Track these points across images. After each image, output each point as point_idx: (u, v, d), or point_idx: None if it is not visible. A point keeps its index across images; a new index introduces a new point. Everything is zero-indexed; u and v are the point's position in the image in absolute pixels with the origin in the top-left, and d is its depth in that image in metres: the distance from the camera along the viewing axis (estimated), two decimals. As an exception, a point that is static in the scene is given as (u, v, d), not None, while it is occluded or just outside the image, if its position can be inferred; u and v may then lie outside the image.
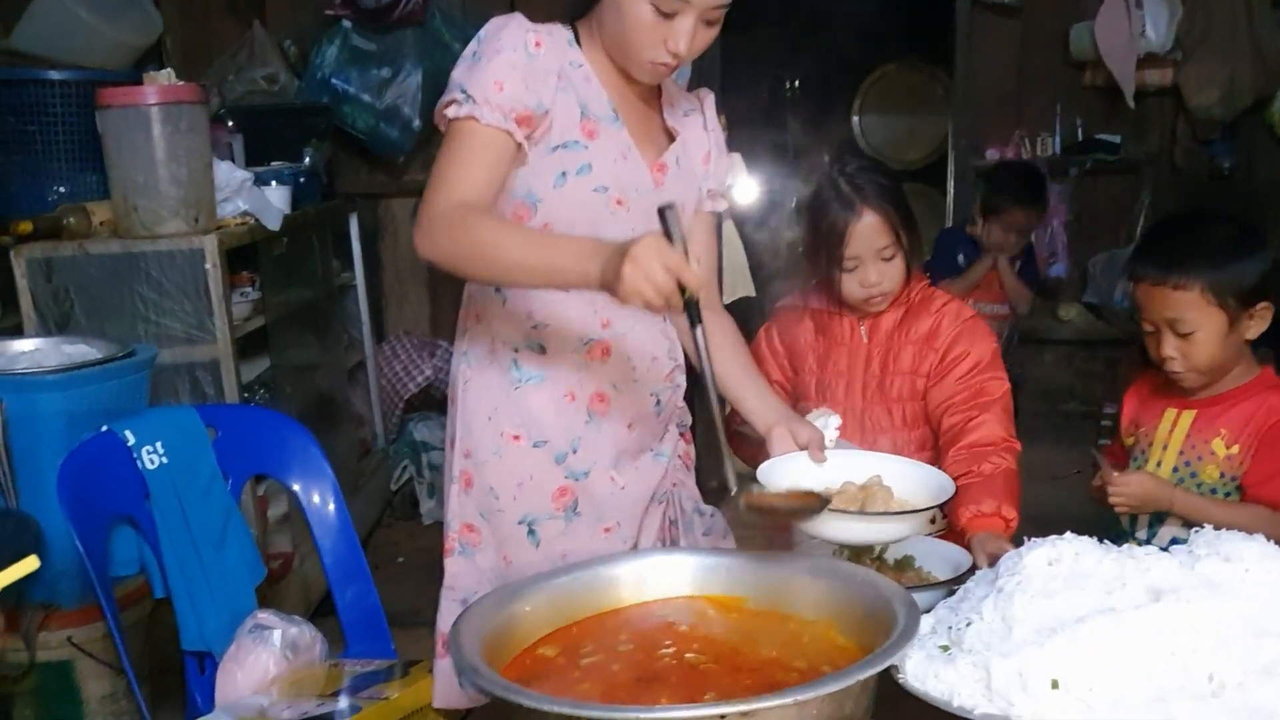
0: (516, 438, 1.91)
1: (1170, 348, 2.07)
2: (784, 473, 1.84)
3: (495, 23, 1.81)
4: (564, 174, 1.82)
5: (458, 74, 1.80)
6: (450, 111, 1.78)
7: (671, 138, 1.97)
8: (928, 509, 1.79)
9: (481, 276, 1.80)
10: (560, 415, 1.91)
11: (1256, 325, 2.07)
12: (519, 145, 1.79)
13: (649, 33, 1.76)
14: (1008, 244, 4.29)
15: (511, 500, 1.92)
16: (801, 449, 1.91)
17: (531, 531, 1.93)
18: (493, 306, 1.92)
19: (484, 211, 1.75)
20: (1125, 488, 2.07)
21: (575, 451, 1.92)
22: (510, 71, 1.76)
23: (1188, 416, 2.14)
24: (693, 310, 1.55)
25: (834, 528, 1.75)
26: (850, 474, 1.87)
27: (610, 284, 1.55)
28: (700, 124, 2.02)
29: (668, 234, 1.55)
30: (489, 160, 1.77)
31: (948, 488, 1.81)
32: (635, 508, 1.99)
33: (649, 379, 1.96)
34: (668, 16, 1.74)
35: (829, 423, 2.15)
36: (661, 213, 1.60)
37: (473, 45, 1.81)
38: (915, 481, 1.85)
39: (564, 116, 1.81)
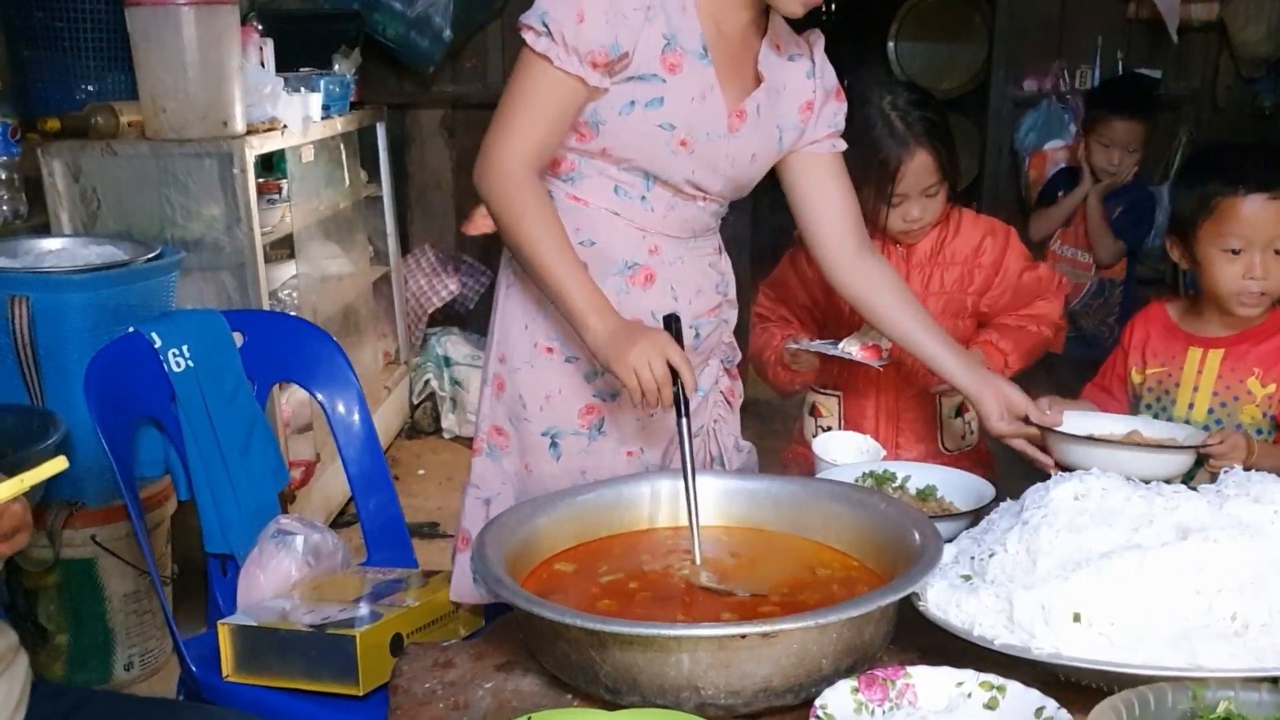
0: (549, 350, 1.90)
1: (1260, 268, 2.02)
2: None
3: None
4: (632, 102, 1.77)
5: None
6: (528, 39, 1.73)
7: (759, 82, 1.88)
8: (1195, 446, 1.88)
9: (509, 246, 1.84)
10: None
11: None
12: (594, 86, 1.75)
13: None
14: (1109, 165, 3.85)
15: (538, 411, 1.92)
16: (1019, 417, 1.93)
17: (554, 444, 1.93)
18: None
19: (542, 194, 1.77)
20: (1233, 452, 1.89)
21: (605, 372, 1.91)
22: (594, 3, 1.70)
23: (1215, 356, 2.11)
24: (680, 404, 1.68)
25: (1118, 459, 1.81)
26: (1103, 429, 1.97)
27: (604, 351, 1.70)
28: (805, 70, 1.93)
29: (677, 340, 1.73)
30: (560, 107, 1.75)
31: (1197, 434, 1.93)
32: (662, 436, 1.97)
33: (690, 310, 1.92)
34: None
35: (880, 340, 2.19)
36: (668, 322, 1.77)
37: None
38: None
39: (645, 49, 1.75)
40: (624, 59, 1.74)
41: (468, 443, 4.83)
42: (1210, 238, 2.06)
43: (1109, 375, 2.26)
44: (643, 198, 1.84)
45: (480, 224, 4.77)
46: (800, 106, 1.92)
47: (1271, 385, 2.06)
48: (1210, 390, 2.10)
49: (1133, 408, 2.21)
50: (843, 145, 2.00)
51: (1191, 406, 2.12)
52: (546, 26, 1.71)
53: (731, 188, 1.91)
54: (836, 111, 1.98)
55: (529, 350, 1.91)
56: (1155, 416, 2.12)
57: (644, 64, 1.75)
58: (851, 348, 2.23)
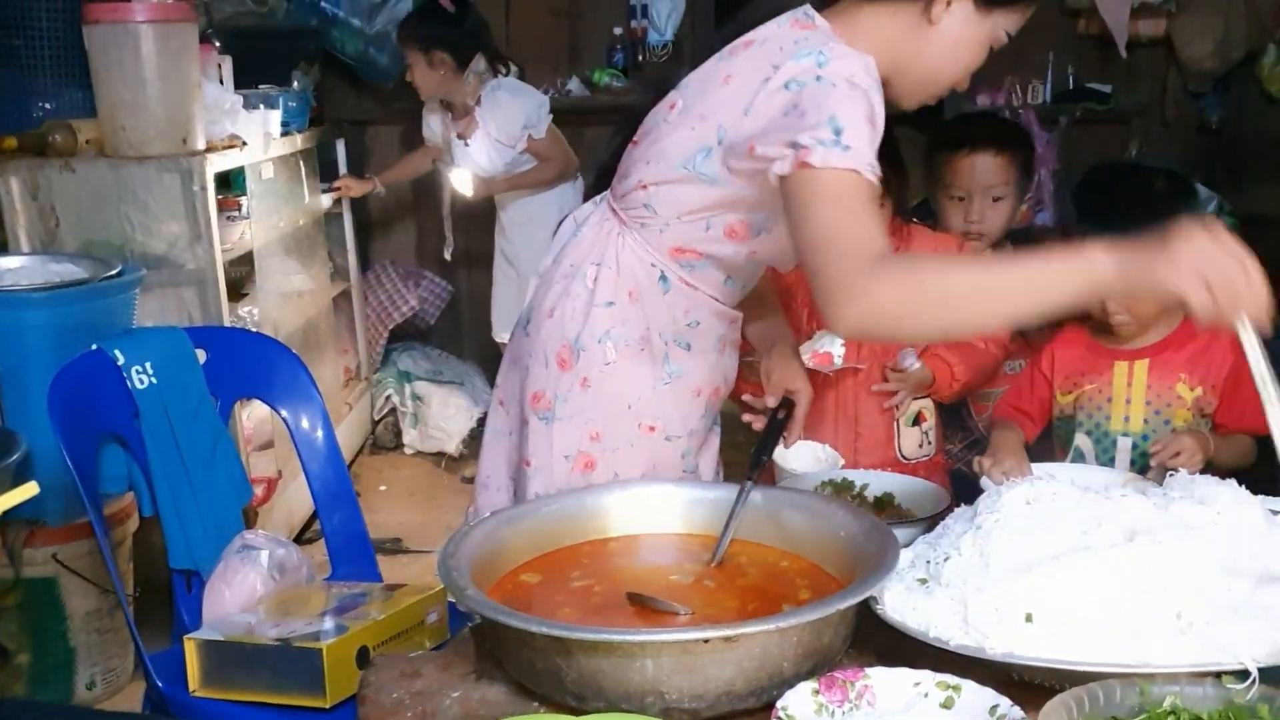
0: (652, 429, 1.90)
1: (1117, 304, 2.10)
2: None
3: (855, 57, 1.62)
4: None
5: (835, 107, 1.52)
6: (815, 159, 1.49)
7: None
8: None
9: (941, 326, 1.54)
10: (689, 410, 1.92)
11: None
12: None
13: (975, 56, 1.76)
14: (966, 224, 2.65)
15: None
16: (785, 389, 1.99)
17: None
18: (653, 291, 1.84)
19: (929, 256, 1.61)
20: (1190, 455, 1.95)
21: (689, 440, 1.95)
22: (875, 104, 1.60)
23: (1142, 366, 2.18)
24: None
25: None
26: None
27: (1140, 273, 1.36)
28: None
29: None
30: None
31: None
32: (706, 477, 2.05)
33: (735, 363, 2.00)
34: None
35: (835, 340, 2.26)
36: (782, 404, 1.92)
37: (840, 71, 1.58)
38: None
39: None
40: None
41: (430, 458, 4.86)
42: None
43: (1027, 398, 2.33)
44: (743, 286, 1.91)
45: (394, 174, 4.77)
46: None
47: (1199, 389, 2.13)
48: (1143, 400, 2.17)
49: (1060, 429, 2.29)
50: None
51: (1127, 419, 2.19)
52: (839, 137, 1.50)
53: None
54: None
55: (631, 430, 1.89)
56: (1090, 433, 2.18)
57: None
58: (804, 355, 2.26)
